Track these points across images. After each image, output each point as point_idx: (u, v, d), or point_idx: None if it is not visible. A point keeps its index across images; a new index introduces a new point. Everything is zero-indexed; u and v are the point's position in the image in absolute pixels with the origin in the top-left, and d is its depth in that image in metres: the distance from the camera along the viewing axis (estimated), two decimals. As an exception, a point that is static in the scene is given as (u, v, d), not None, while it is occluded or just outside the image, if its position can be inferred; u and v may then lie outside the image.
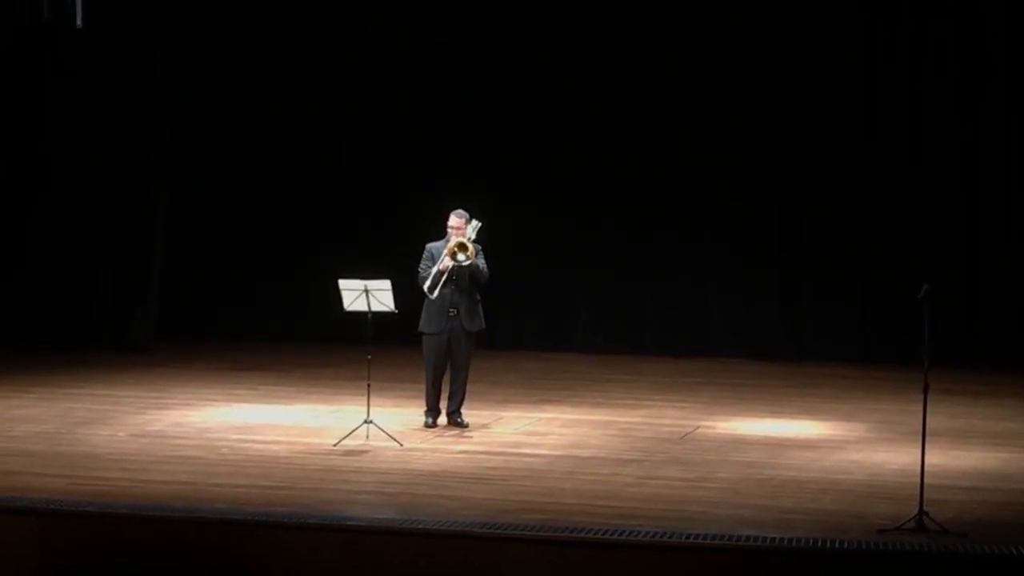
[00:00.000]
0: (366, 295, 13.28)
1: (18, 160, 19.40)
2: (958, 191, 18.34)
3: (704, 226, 18.91)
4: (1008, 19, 18.08)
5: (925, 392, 10.87)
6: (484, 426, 14.15)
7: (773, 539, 10.13)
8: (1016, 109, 18.09)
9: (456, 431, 13.87)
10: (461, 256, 13.60)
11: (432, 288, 13.65)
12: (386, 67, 19.48)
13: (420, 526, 10.43)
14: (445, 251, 13.64)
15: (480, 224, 13.78)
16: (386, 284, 13.34)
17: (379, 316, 13.43)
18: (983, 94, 18.22)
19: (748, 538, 10.14)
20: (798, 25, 18.52)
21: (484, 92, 19.24)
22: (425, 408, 14.05)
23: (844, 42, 18.49)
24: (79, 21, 17.05)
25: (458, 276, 13.73)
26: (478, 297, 13.95)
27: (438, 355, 13.89)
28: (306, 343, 19.02)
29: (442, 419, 14.06)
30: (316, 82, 19.65)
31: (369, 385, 13.28)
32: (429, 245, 13.92)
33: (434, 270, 13.67)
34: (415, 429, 13.85)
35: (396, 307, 13.40)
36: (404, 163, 19.36)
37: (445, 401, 14.07)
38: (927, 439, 10.95)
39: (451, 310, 13.79)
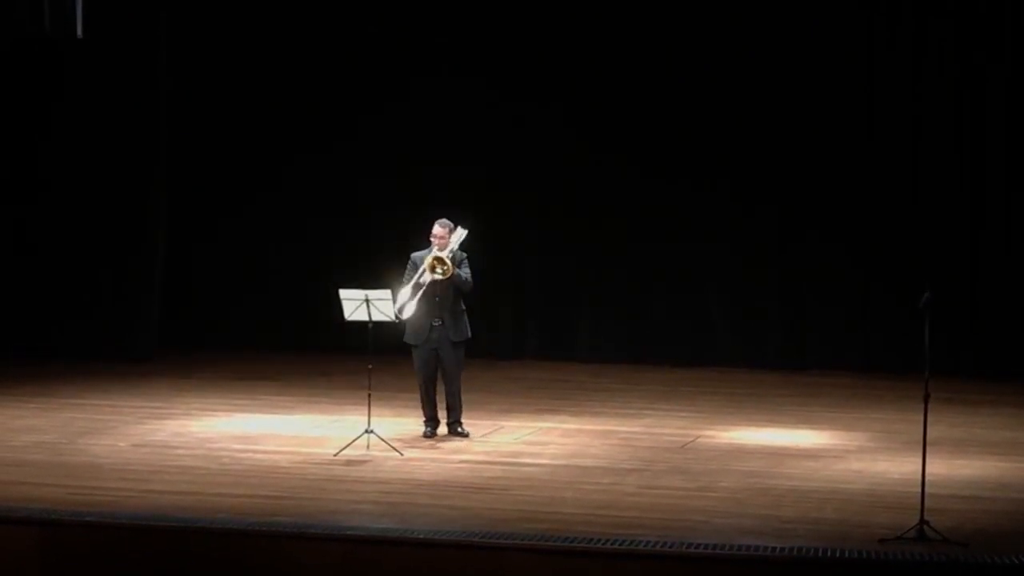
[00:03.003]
0: (367, 305, 13.28)
1: (18, 168, 19.39)
2: (958, 192, 18.27)
3: (704, 227, 18.85)
4: (1008, 19, 18.06)
5: (926, 401, 10.88)
6: (484, 436, 14.13)
7: (774, 548, 10.13)
8: (1016, 109, 18.07)
9: (456, 440, 13.86)
10: (439, 270, 13.58)
11: (400, 312, 13.58)
12: (386, 67, 19.45)
13: (420, 535, 10.44)
14: (423, 266, 13.63)
15: (466, 232, 13.74)
16: (387, 294, 13.35)
17: (380, 326, 13.43)
18: (983, 94, 18.22)
19: (749, 547, 10.15)
20: (798, 25, 18.49)
21: (484, 94, 19.18)
22: (424, 419, 14.05)
23: (844, 42, 18.46)
24: (80, 31, 17.05)
25: (441, 287, 13.70)
26: (462, 307, 13.93)
27: (426, 365, 13.88)
28: (307, 353, 19.00)
29: (442, 429, 14.05)
30: (316, 83, 19.61)
31: (370, 395, 13.29)
32: (413, 255, 13.87)
33: (410, 286, 13.62)
34: (415, 438, 13.85)
35: (397, 316, 13.41)
36: (405, 164, 19.30)
37: (444, 412, 14.06)
38: (928, 448, 10.97)
39: (435, 321, 13.77)
